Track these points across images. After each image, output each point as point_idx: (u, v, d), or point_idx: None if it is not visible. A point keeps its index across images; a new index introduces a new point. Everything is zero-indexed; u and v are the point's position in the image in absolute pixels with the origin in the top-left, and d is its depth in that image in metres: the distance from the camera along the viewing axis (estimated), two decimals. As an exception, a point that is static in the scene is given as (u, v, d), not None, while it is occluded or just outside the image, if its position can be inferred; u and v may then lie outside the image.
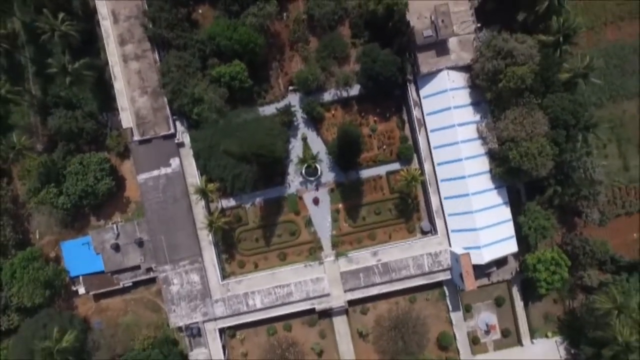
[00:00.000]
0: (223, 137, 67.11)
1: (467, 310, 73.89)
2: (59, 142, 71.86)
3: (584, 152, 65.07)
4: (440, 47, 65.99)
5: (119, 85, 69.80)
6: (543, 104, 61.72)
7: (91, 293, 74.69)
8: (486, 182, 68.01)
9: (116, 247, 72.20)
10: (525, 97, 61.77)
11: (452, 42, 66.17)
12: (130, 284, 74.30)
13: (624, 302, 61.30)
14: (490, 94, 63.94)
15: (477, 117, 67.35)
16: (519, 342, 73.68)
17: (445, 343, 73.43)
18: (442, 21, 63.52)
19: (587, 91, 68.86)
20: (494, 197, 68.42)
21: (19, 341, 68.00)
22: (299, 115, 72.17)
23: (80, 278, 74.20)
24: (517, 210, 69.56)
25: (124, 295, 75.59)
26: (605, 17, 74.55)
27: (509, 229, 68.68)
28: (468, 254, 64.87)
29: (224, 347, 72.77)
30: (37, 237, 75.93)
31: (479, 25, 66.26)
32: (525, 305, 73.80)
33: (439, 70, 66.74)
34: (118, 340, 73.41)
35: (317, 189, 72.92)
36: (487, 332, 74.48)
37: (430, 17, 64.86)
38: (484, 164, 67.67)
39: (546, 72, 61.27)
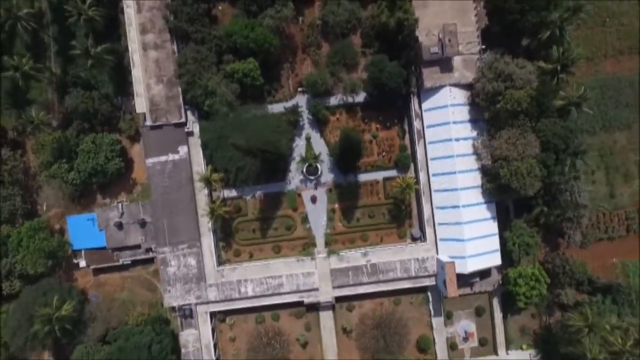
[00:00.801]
0: (231, 131, 70.38)
1: (448, 316, 77.18)
2: (74, 120, 75.06)
3: (572, 176, 68.41)
4: (444, 64, 69.34)
5: (137, 72, 73.08)
6: (536, 127, 65.18)
7: (91, 267, 77.99)
8: (477, 196, 71.35)
9: (119, 226, 75.51)
10: (520, 120, 65.19)
11: (457, 61, 69.49)
12: (129, 262, 77.59)
13: (596, 322, 64.79)
14: (488, 113, 67.36)
15: (474, 134, 70.70)
16: (495, 352, 77.06)
17: (425, 346, 76.79)
18: (449, 40, 66.88)
19: (581, 119, 72.25)
20: (483, 211, 71.76)
21: (20, 306, 71.29)
22: (305, 116, 75.39)
23: (82, 252, 77.55)
24: (504, 225, 72.93)
25: (122, 272, 78.85)
26: (605, 49, 77.86)
27: (495, 243, 72.05)
28: (453, 262, 68.27)
29: (213, 330, 76.12)
30: (44, 209, 79.19)
31: (483, 46, 69.52)
32: (504, 317, 77.21)
33: (442, 86, 70.09)
34: (113, 314, 76.69)
35: (315, 188, 76.18)
36: (465, 339, 77.83)
37: (438, 35, 68.17)
38: (476, 178, 71.02)
39: (542, 98, 64.69)
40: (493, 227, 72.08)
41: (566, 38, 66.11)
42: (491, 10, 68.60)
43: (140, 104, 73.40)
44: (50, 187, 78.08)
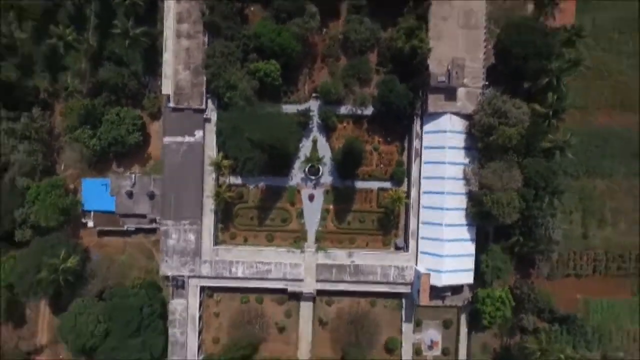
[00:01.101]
0: (246, 124, 76.33)
1: (418, 324, 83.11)
2: (103, 92, 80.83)
3: (548, 213, 74.47)
4: (449, 93, 75.39)
5: (168, 57, 79.06)
6: (522, 164, 71.37)
7: (97, 228, 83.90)
8: (460, 217, 77.28)
9: (130, 194, 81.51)
10: (509, 154, 71.36)
11: (461, 92, 75.50)
12: (133, 229, 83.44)
13: (548, 348, 71.00)
14: (481, 144, 73.45)
15: (466, 161, 76.67)
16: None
17: (392, 347, 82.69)
18: (456, 72, 73.01)
19: (567, 162, 78.22)
20: (464, 232, 77.71)
21: (29, 254, 77.25)
22: (315, 120, 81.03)
23: (92, 213, 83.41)
24: (481, 248, 78.72)
25: (125, 237, 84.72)
26: (599, 102, 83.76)
27: (470, 263, 77.96)
28: (429, 274, 74.51)
29: (200, 304, 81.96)
30: (62, 168, 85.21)
31: (486, 83, 75.56)
32: (469, 332, 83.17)
33: (444, 113, 76.09)
34: (111, 274, 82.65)
35: (314, 188, 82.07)
36: (430, 348, 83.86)
37: (447, 66, 74.21)
38: (462, 201, 76.93)
39: (531, 138, 70.86)
40: (471, 248, 78.10)
41: (561, 87, 72.05)
42: (499, 51, 74.65)
43: (166, 86, 79.41)
44: (71, 150, 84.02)
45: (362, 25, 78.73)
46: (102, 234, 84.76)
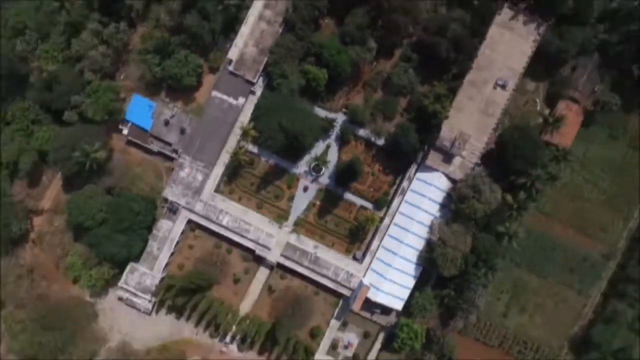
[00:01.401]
0: (281, 109, 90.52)
1: (344, 324, 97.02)
2: (182, 34, 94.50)
3: (481, 283, 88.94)
4: (447, 156, 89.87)
5: (245, 30, 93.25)
6: (476, 235, 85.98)
7: (128, 137, 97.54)
8: (413, 255, 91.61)
9: (166, 122, 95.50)
10: (470, 223, 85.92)
11: (456, 160, 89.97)
12: (156, 150, 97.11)
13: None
14: (454, 206, 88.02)
15: (437, 214, 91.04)
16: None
17: (316, 334, 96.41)
18: (459, 143, 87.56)
19: (513, 250, 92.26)
20: (411, 268, 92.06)
21: (69, 134, 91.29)
22: (336, 130, 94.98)
23: (129, 123, 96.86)
24: (419, 287, 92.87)
25: (146, 154, 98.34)
26: (562, 217, 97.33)
27: (405, 294, 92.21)
28: (368, 287, 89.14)
29: (182, 232, 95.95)
30: (122, 78, 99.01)
31: (479, 162, 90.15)
32: (380, 349, 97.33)
33: (437, 170, 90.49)
34: (123, 178, 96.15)
35: (311, 182, 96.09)
36: (345, 348, 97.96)
37: (455, 135, 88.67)
38: (420, 244, 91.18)
39: (492, 218, 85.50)
40: (411, 282, 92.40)
41: (533, 192, 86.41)
42: (499, 142, 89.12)
43: (233, 52, 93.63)
44: (136, 67, 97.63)
45: (406, 74, 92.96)
46: (129, 143, 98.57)
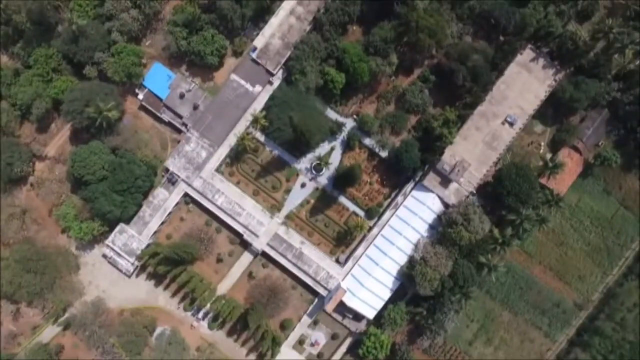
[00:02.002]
0: (295, 104, 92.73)
1: (315, 322, 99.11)
2: (212, 14, 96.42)
3: (454, 307, 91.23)
4: (445, 180, 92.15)
5: (274, 21, 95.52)
6: (458, 261, 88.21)
7: (142, 102, 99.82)
8: (394, 269, 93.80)
9: (181, 95, 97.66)
10: (454, 248, 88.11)
11: (453, 185, 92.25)
12: (167, 120, 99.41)
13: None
14: (442, 229, 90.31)
15: (425, 234, 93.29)
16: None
17: (286, 326, 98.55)
18: (459, 170, 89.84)
19: (490, 282, 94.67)
20: (389, 280, 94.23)
21: (87, 88, 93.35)
22: (343, 135, 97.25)
23: (146, 89, 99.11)
24: (393, 300, 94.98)
25: (156, 121, 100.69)
26: (544, 259, 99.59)
27: (379, 304, 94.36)
28: (345, 291, 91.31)
29: (177, 204, 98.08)
30: (147, 45, 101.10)
31: (474, 191, 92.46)
32: (346, 353, 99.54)
33: (432, 191, 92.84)
34: (130, 141, 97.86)
35: (310, 180, 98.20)
36: (312, 345, 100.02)
37: (456, 162, 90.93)
38: (402, 259, 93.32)
39: (476, 247, 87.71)
40: (387, 294, 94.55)
41: (520, 230, 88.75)
42: (496, 177, 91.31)
43: (259, 41, 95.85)
44: (162, 37, 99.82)
45: (421, 94, 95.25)
46: (142, 108, 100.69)
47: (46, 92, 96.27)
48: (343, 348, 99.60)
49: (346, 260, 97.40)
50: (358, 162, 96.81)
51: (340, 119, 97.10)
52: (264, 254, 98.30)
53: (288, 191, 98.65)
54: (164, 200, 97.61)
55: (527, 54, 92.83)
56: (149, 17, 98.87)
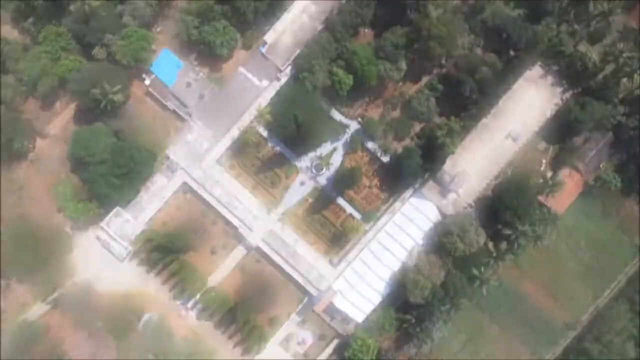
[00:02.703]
0: (300, 102, 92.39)
1: (303, 321, 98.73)
2: (226, 5, 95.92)
3: (443, 317, 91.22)
4: (444, 190, 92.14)
5: (287, 18, 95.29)
6: (450, 271, 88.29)
7: (148, 88, 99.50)
8: (387, 274, 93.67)
9: (188, 84, 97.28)
10: (448, 258, 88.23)
11: (451, 196, 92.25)
12: (172, 108, 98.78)
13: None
14: (437, 239, 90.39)
15: (420, 242, 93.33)
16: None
17: (274, 323, 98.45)
18: (458, 181, 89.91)
19: (480, 295, 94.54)
20: (381, 286, 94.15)
21: (94, 69, 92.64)
22: (346, 136, 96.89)
23: (153, 75, 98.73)
24: (384, 305, 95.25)
25: (159, 108, 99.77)
26: (537, 277, 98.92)
27: (369, 308, 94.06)
28: (335, 292, 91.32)
29: (174, 192, 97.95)
30: (158, 31, 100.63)
31: (472, 204, 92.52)
32: (331, 354, 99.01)
33: (430, 201, 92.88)
34: (131, 126, 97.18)
35: (310, 179, 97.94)
36: (299, 344, 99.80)
37: (456, 172, 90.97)
38: (396, 265, 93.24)
39: (470, 259, 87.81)
40: (377, 299, 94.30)
41: (514, 246, 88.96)
42: (495, 190, 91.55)
43: (270, 36, 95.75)
44: (174, 24, 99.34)
45: (427, 102, 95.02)
46: (147, 93, 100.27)
47: (53, 70, 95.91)
48: (329, 349, 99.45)
49: (339, 262, 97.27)
50: (359, 164, 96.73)
51: (345, 121, 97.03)
52: (258, 249, 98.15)
53: (287, 188, 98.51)
54: (162, 188, 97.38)
55: (536, 70, 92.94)
56: (162, 3, 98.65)
